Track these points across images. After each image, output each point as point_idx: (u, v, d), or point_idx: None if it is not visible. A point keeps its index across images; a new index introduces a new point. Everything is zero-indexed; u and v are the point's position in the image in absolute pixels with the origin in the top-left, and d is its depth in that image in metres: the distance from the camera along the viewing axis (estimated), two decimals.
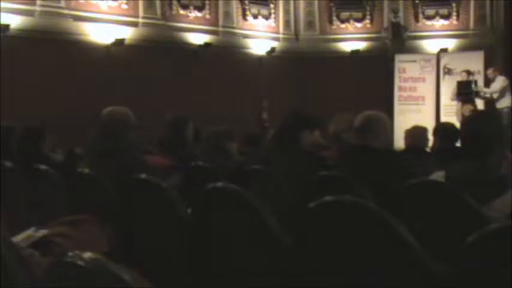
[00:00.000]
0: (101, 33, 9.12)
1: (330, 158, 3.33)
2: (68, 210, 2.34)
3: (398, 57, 11.54)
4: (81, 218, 1.86)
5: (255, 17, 11.50)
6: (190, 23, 10.37)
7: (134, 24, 9.60)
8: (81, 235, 1.76)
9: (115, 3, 9.35)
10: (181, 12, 10.28)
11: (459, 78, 10.39)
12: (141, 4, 9.66)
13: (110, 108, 3.25)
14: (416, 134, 4.02)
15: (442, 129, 3.58)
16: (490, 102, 9.82)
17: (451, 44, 11.78)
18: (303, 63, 11.79)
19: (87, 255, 0.71)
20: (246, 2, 11.28)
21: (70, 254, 0.73)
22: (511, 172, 2.34)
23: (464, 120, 2.51)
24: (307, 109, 10.65)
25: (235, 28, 11.13)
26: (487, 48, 11.12)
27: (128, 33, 9.44)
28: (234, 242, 1.91)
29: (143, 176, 2.25)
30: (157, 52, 9.50)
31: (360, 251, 1.53)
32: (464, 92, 9.73)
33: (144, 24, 9.69)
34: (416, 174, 2.78)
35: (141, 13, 9.68)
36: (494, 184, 2.17)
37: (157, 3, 9.88)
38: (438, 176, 2.37)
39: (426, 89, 11.37)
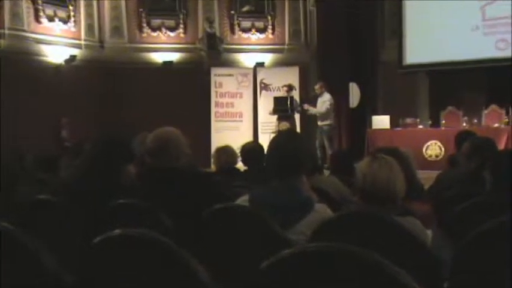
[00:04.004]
0: None
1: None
2: None
3: (215, 71, 11.96)
4: None
5: (51, 19, 10.98)
6: None
7: None
8: None
9: None
10: None
11: (277, 94, 11.09)
12: None
13: None
14: (226, 154, 4.16)
15: (248, 151, 3.73)
16: (310, 118, 10.66)
17: (267, 58, 12.55)
18: (109, 74, 11.55)
19: None
20: (40, 1, 10.71)
21: None
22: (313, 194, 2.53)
23: (270, 141, 2.64)
24: (114, 127, 10.50)
25: (25, 31, 10.49)
26: (302, 64, 12.09)
27: None
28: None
29: None
30: None
31: (151, 286, 1.53)
32: (280, 108, 10.40)
33: None
34: (225, 197, 2.86)
35: None
36: (299, 206, 2.32)
37: None
38: (243, 200, 2.47)
39: (244, 105, 11.95)
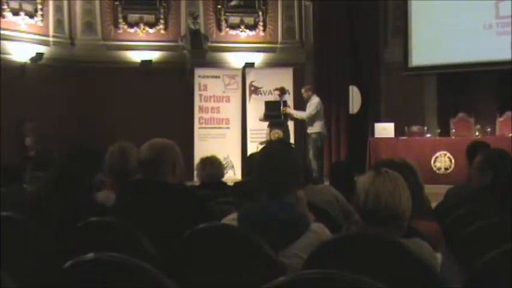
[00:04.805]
0: None
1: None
2: None
3: (199, 72, 11.95)
4: None
5: (16, 13, 10.95)
6: None
7: None
8: None
9: None
10: None
11: (269, 98, 11.08)
12: None
13: None
14: (211, 165, 4.18)
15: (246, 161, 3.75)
16: (300, 126, 10.66)
17: (257, 58, 12.57)
18: (80, 75, 11.52)
19: None
20: None
21: None
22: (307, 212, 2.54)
23: (260, 152, 2.65)
24: (86, 134, 10.47)
25: None
26: (296, 65, 12.12)
27: None
28: None
29: None
30: None
31: None
32: (272, 114, 10.38)
33: None
34: (213, 214, 2.86)
35: None
36: (292, 226, 2.33)
37: None
38: (231, 219, 2.47)
39: (231, 110, 11.95)
